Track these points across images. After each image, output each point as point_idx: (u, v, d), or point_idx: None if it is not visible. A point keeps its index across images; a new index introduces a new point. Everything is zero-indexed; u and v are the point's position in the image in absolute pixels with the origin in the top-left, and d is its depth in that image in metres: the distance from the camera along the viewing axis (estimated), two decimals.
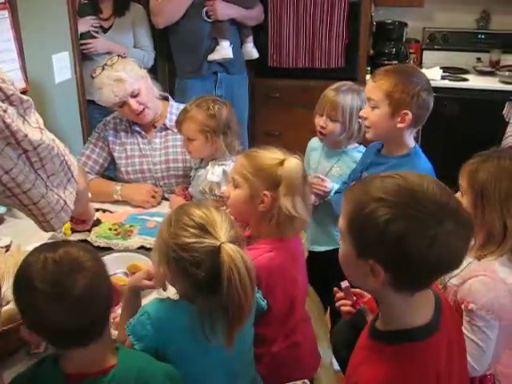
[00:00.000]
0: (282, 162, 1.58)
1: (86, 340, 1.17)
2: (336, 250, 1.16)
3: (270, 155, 1.61)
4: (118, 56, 2.44)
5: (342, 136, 2.22)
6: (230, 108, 2.21)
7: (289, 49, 3.82)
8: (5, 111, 1.09)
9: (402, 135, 1.89)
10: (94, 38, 3.25)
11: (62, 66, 2.72)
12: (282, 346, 1.61)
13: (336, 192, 2.16)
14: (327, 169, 2.30)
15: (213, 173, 2.14)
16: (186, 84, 3.49)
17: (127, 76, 2.33)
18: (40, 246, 1.23)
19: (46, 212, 1.23)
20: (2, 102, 1.10)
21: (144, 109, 2.39)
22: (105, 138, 2.51)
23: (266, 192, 1.57)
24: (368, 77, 3.84)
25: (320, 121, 2.23)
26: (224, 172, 2.12)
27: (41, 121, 1.21)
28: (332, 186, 2.18)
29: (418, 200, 1.01)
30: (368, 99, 1.91)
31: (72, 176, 1.28)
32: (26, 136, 1.12)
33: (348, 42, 3.76)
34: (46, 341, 1.17)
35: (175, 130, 2.38)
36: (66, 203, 1.27)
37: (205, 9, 3.34)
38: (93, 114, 3.03)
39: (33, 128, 1.16)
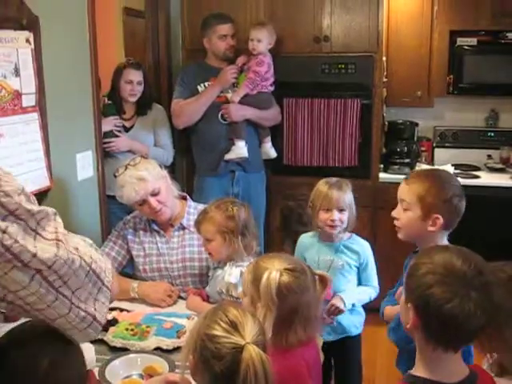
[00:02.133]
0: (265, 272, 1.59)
1: None
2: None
3: (266, 264, 1.62)
4: (141, 157, 2.54)
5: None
6: (249, 210, 2.26)
7: (303, 148, 3.87)
8: (4, 232, 0.99)
9: (433, 238, 1.89)
10: (117, 136, 3.37)
11: (85, 164, 2.79)
12: None
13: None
14: (329, 263, 2.37)
15: (230, 274, 2.15)
16: (203, 181, 3.60)
17: (149, 175, 2.41)
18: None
19: (66, 328, 1.15)
20: (2, 220, 1.00)
21: (162, 207, 2.45)
22: (124, 237, 2.56)
23: (258, 304, 1.58)
24: (381, 174, 3.93)
25: (331, 215, 2.31)
26: (241, 273, 2.11)
27: (61, 230, 1.10)
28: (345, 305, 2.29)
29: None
30: (400, 200, 1.94)
31: (103, 284, 1.19)
32: (34, 256, 1.02)
33: (361, 141, 3.79)
34: None
35: (192, 229, 2.42)
36: (95, 319, 1.17)
37: (220, 112, 3.49)
38: (112, 208, 3.09)
39: (47, 242, 1.06)
